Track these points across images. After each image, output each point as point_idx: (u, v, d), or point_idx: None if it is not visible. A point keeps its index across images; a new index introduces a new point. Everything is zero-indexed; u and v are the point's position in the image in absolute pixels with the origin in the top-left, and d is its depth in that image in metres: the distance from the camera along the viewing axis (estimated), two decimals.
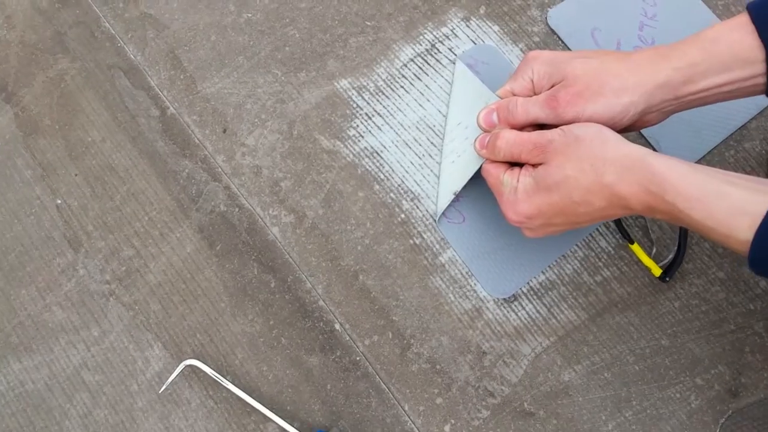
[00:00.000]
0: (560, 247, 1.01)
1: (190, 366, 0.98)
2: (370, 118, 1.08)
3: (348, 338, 0.99)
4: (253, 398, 0.96)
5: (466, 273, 1.00)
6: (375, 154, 1.06)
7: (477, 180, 0.94)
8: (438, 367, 0.97)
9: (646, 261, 0.97)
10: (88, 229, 1.06)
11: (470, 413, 0.95)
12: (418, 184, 1.04)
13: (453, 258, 1.01)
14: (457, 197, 1.00)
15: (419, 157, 1.05)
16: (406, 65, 1.10)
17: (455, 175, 0.98)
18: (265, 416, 0.96)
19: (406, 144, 1.06)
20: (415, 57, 1.10)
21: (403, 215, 1.03)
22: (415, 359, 0.98)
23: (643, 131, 1.02)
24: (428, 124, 1.07)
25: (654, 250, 0.99)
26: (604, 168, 0.75)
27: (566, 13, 1.11)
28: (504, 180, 0.85)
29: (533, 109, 0.84)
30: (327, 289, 1.01)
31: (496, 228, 1.01)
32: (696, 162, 1.01)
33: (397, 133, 1.07)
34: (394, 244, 1.02)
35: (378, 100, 1.08)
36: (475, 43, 1.10)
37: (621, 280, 0.99)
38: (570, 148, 0.78)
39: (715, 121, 1.03)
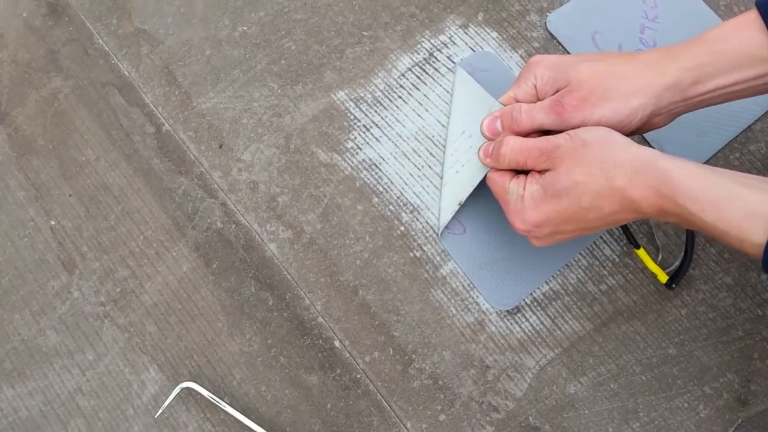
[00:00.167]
0: (563, 256, 0.99)
1: (187, 388, 0.96)
2: (368, 130, 1.06)
3: (348, 355, 0.97)
4: (251, 420, 0.94)
5: (468, 285, 0.98)
6: (373, 167, 1.04)
7: (478, 190, 0.93)
8: (440, 382, 0.95)
9: (653, 267, 0.95)
10: (82, 250, 1.04)
11: (474, 430, 0.93)
12: (417, 196, 1.03)
13: (454, 270, 0.99)
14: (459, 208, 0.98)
15: (418, 169, 1.04)
16: (403, 75, 1.09)
17: (460, 185, 0.96)
18: None
19: (405, 155, 1.05)
20: (412, 66, 1.09)
21: (402, 228, 1.01)
22: (417, 375, 0.96)
23: (646, 135, 1.01)
24: (427, 134, 1.05)
25: (660, 257, 0.97)
26: (614, 171, 0.74)
27: (566, 18, 1.10)
28: (510, 188, 0.83)
29: (538, 115, 0.82)
30: (326, 306, 0.99)
31: (498, 238, 1.00)
32: None
33: (395, 145, 1.05)
34: (393, 257, 1.00)
35: (376, 111, 1.07)
36: (473, 51, 1.09)
37: (626, 289, 0.97)
38: (578, 152, 0.77)
39: (718, 123, 1.01)
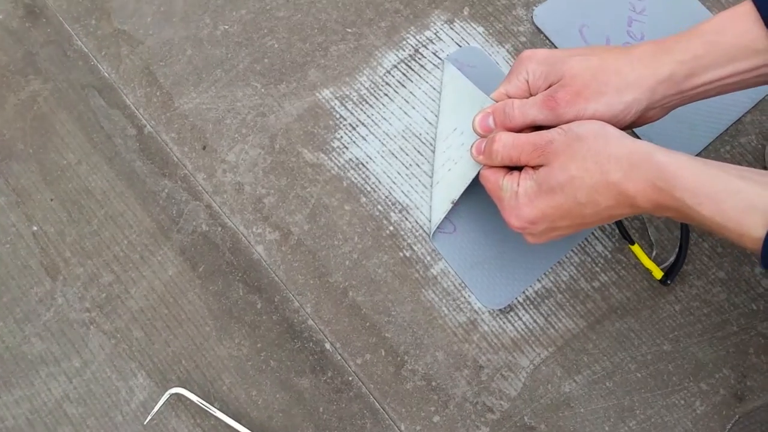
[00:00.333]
0: (555, 253, 0.98)
1: (176, 394, 0.95)
2: (354, 129, 1.05)
3: (339, 358, 0.96)
4: (242, 425, 0.92)
5: (459, 284, 0.97)
6: (360, 166, 1.03)
7: (467, 187, 0.92)
8: (434, 383, 0.94)
9: (647, 263, 0.95)
10: (65, 255, 1.02)
11: (469, 430, 0.92)
12: (406, 195, 1.01)
13: (445, 269, 0.98)
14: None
15: (406, 167, 1.02)
16: (389, 72, 1.07)
17: (452, 183, 0.95)
18: None
19: (393, 154, 1.03)
20: (398, 63, 1.08)
21: (391, 227, 1.00)
22: (410, 377, 0.95)
23: (637, 129, 1.00)
24: (414, 132, 1.04)
25: (654, 253, 0.97)
26: (609, 165, 0.73)
27: (553, 11, 1.09)
28: (503, 185, 0.82)
29: (531, 110, 0.81)
30: (316, 308, 0.98)
31: (489, 236, 0.99)
32: None
33: (382, 143, 1.04)
34: (383, 257, 0.99)
35: (362, 110, 1.06)
36: (460, 46, 1.08)
37: (619, 285, 0.96)
38: (572, 147, 0.76)
39: (708, 116, 1.01)
